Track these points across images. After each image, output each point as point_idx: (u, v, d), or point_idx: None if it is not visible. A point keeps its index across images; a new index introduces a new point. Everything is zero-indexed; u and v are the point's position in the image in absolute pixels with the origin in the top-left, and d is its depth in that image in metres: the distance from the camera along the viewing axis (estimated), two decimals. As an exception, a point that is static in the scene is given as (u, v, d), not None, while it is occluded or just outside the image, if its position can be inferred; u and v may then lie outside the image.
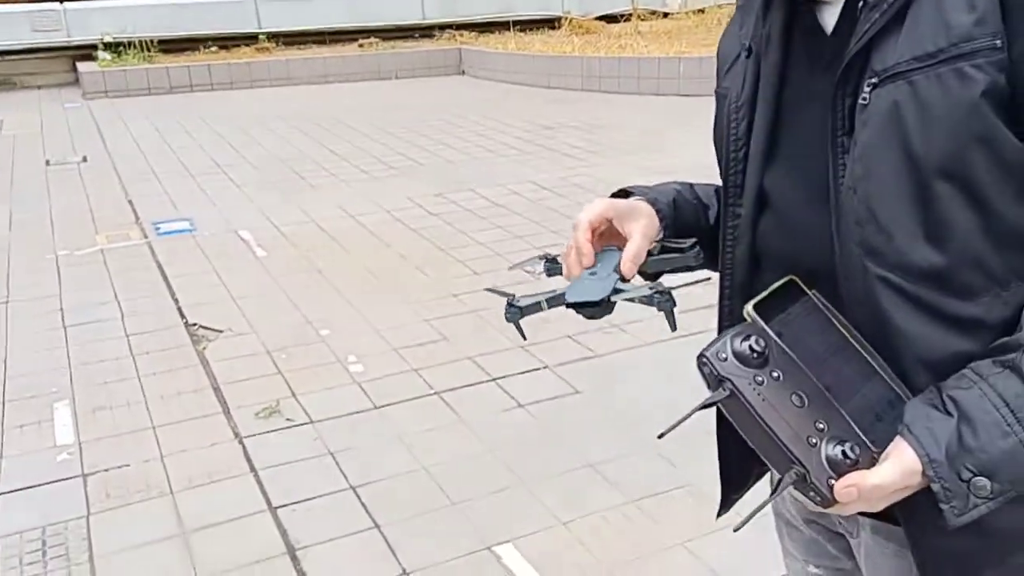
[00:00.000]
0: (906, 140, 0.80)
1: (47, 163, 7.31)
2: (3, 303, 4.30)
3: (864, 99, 0.82)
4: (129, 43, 11.38)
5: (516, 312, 1.01)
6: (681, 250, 1.03)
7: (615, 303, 0.96)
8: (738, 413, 0.80)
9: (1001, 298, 0.83)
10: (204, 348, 3.72)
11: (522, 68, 11.14)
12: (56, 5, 11.99)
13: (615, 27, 12.65)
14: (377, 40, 12.62)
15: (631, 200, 1.05)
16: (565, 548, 2.37)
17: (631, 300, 0.95)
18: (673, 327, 0.96)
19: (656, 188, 1.11)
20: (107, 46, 11.39)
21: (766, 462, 0.81)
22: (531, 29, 13.07)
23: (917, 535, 0.87)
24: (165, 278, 4.55)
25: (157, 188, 6.43)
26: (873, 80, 0.81)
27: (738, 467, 1.11)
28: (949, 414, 0.79)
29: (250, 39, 12.22)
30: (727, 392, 0.79)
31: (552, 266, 1.06)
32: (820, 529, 1.10)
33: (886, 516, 0.87)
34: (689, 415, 0.81)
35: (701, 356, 0.82)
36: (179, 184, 6.53)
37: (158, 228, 5.42)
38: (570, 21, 12.81)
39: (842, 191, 0.85)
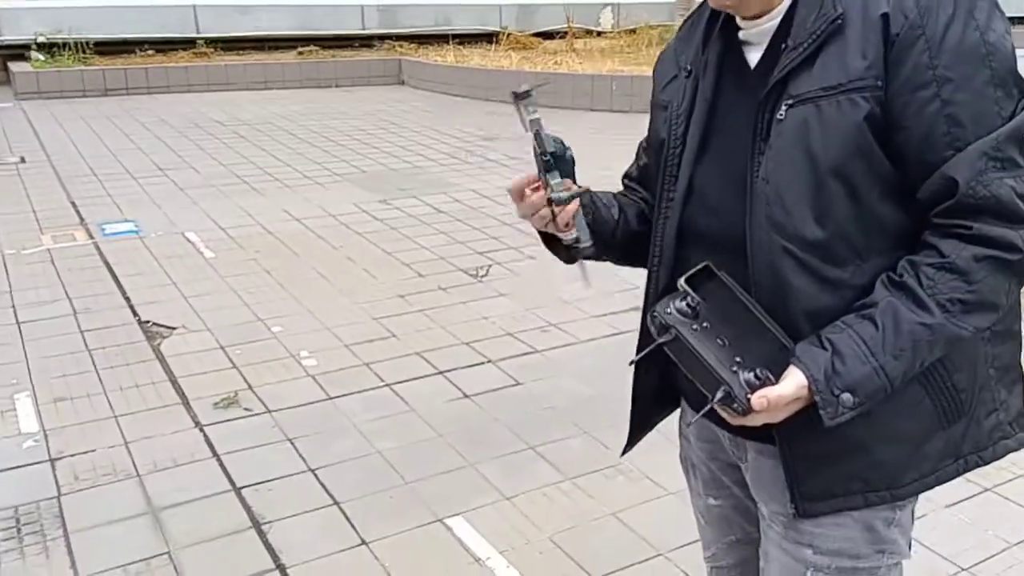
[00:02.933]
0: (810, 146, 1.09)
1: (-17, 163, 7.25)
2: (-50, 300, 4.34)
3: (781, 115, 1.11)
4: (64, 44, 11.23)
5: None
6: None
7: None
8: (680, 352, 1.11)
9: (861, 268, 1.13)
10: (159, 344, 3.86)
11: (461, 80, 11.41)
12: (-14, 3, 11.77)
13: (551, 44, 13.02)
14: (317, 48, 12.73)
15: None
16: (510, 519, 2.63)
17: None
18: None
19: None
20: (40, 47, 11.22)
21: (699, 386, 1.10)
22: (469, 43, 13.35)
23: (788, 445, 1.17)
24: (115, 277, 4.65)
25: (99, 190, 6.47)
26: (789, 102, 1.11)
27: (643, 415, 1.41)
28: (825, 349, 1.09)
29: (188, 43, 12.18)
30: (672, 336, 1.10)
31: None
32: (720, 465, 1.40)
33: (767, 440, 1.18)
34: (649, 351, 1.13)
35: (652, 311, 1.12)
36: (121, 186, 6.57)
37: (104, 229, 5.49)
38: (507, 36, 13.14)
39: (757, 181, 1.14)
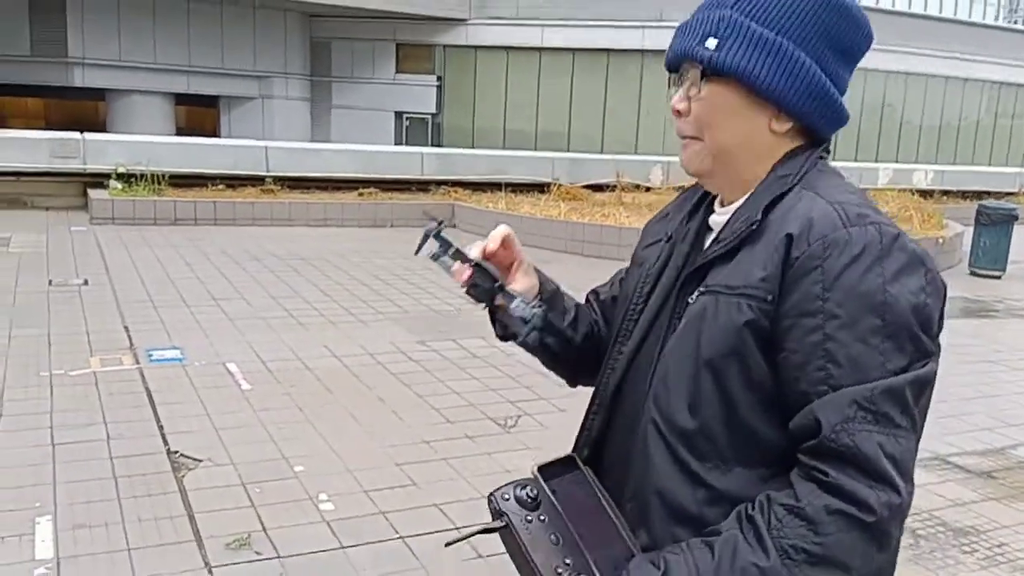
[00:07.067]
0: (699, 335, 1.12)
1: (49, 283, 7.62)
2: (-6, 417, 4.48)
3: (692, 300, 1.16)
4: (141, 175, 11.97)
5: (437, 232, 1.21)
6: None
7: (504, 291, 1.23)
8: (509, 542, 1.08)
9: (720, 470, 1.11)
10: (183, 476, 3.90)
11: (510, 226, 11.75)
12: (76, 135, 12.69)
13: (600, 196, 13.42)
14: (377, 190, 13.32)
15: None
16: None
17: (514, 297, 1.23)
18: (519, 336, 1.23)
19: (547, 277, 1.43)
20: (120, 176, 11.97)
21: None
22: (521, 191, 13.85)
23: None
24: (152, 404, 4.77)
25: (153, 316, 6.72)
26: (701, 289, 1.15)
27: None
28: (658, 568, 1.07)
29: (257, 180, 12.88)
30: (503, 523, 1.07)
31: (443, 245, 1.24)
32: None
33: None
34: (472, 535, 1.09)
35: (491, 495, 1.10)
36: (174, 313, 6.83)
37: (151, 355, 5.67)
38: (558, 187, 13.60)
39: (662, 356, 1.18)
